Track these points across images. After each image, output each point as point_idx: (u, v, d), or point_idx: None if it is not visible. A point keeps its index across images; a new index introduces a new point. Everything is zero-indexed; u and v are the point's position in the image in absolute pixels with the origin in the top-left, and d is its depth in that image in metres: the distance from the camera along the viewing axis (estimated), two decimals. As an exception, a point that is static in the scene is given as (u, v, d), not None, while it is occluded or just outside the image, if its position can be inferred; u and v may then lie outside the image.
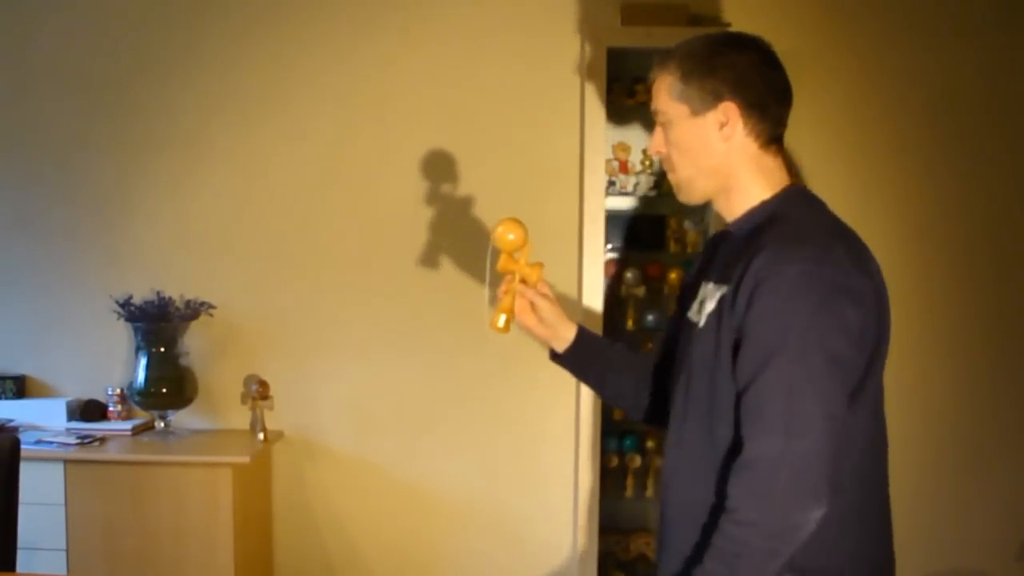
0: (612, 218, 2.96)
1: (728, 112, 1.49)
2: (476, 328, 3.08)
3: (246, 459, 2.79)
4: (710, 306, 1.49)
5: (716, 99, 1.49)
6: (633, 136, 3.03)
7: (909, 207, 3.03)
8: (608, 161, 2.92)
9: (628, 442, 3.02)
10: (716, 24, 2.86)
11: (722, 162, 1.51)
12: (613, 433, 2.99)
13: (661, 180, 3.51)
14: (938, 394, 3.05)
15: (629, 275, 2.97)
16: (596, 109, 2.81)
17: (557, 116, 3.02)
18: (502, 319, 1.72)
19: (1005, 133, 3.02)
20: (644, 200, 3.06)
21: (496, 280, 1.78)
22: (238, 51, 3.06)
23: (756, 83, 1.50)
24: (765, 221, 1.48)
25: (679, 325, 1.68)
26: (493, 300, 1.80)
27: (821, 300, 1.35)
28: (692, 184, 1.55)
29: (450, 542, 3.12)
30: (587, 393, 2.84)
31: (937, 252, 3.04)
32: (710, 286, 1.54)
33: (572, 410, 3.00)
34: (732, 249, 1.52)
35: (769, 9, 2.96)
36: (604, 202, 2.84)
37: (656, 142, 1.57)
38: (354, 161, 3.07)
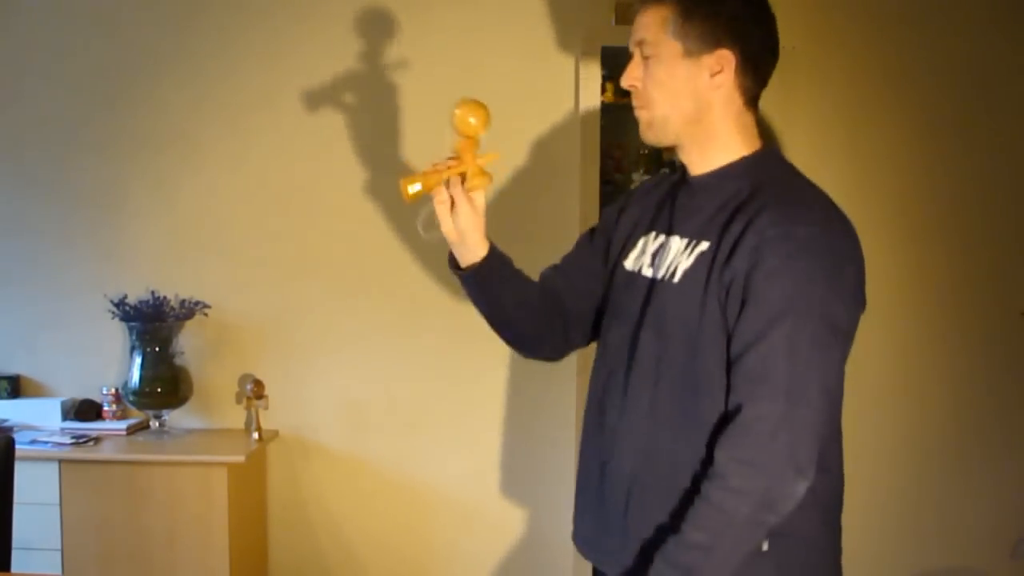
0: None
1: (723, 60, 1.43)
2: (473, 327, 3.08)
3: (241, 459, 2.79)
4: (684, 262, 1.43)
5: (715, 44, 1.42)
6: (628, 135, 3.03)
7: (905, 205, 3.04)
8: (603, 159, 2.92)
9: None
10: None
11: (704, 110, 1.45)
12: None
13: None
14: (932, 392, 3.06)
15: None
16: (591, 108, 2.81)
17: (552, 115, 3.02)
18: (417, 187, 1.50)
19: (1002, 129, 3.03)
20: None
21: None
22: (233, 50, 3.06)
23: (756, 35, 1.44)
24: (751, 180, 1.43)
25: (609, 271, 1.61)
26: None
27: (828, 265, 1.32)
28: (666, 124, 1.47)
29: (446, 541, 3.12)
30: (584, 390, 2.84)
31: (933, 250, 3.05)
32: (673, 239, 1.47)
33: (569, 407, 3.00)
34: (703, 203, 1.46)
35: (763, 8, 2.96)
36: (599, 201, 2.85)
37: (632, 73, 1.48)
38: (348, 159, 3.07)
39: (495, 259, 1.61)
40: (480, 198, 1.56)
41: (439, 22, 3.03)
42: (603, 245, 1.68)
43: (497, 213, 3.02)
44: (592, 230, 1.74)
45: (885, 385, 3.01)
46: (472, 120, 1.51)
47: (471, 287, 1.63)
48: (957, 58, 3.00)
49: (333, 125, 3.06)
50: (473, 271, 1.60)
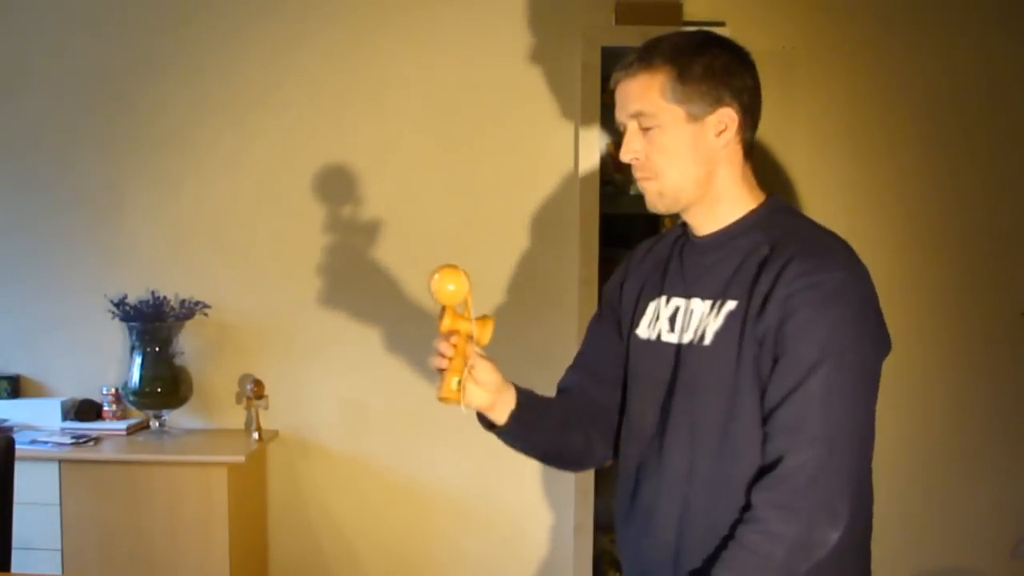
0: (606, 218, 2.96)
1: (726, 118, 1.41)
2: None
3: (241, 459, 2.79)
4: (713, 324, 1.40)
5: (717, 103, 1.40)
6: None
7: (905, 205, 3.03)
8: (602, 160, 2.92)
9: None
10: (712, 24, 2.87)
11: (712, 171, 1.43)
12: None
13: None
14: (932, 392, 3.06)
15: (624, 274, 2.97)
16: (590, 108, 2.81)
17: (551, 115, 3.02)
18: (455, 383, 1.49)
19: (1004, 131, 3.02)
20: (639, 199, 3.05)
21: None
22: (233, 50, 3.06)
23: (748, 84, 1.43)
24: (764, 233, 1.41)
25: (623, 343, 1.58)
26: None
27: (856, 312, 1.34)
28: (678, 193, 1.44)
29: (445, 541, 3.12)
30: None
31: (933, 250, 3.05)
32: (695, 302, 1.45)
33: (567, 409, 3.00)
34: (717, 262, 1.44)
35: (765, 7, 2.96)
36: (599, 201, 2.84)
37: (632, 147, 1.44)
38: (349, 160, 3.07)
39: (524, 396, 1.59)
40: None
41: (439, 23, 3.03)
42: (614, 323, 1.64)
43: (497, 214, 3.04)
44: (599, 314, 1.70)
45: (885, 385, 2.99)
46: (451, 287, 1.46)
47: (519, 434, 1.62)
48: (958, 57, 2.99)
49: (335, 125, 3.06)
50: (513, 417, 1.58)
